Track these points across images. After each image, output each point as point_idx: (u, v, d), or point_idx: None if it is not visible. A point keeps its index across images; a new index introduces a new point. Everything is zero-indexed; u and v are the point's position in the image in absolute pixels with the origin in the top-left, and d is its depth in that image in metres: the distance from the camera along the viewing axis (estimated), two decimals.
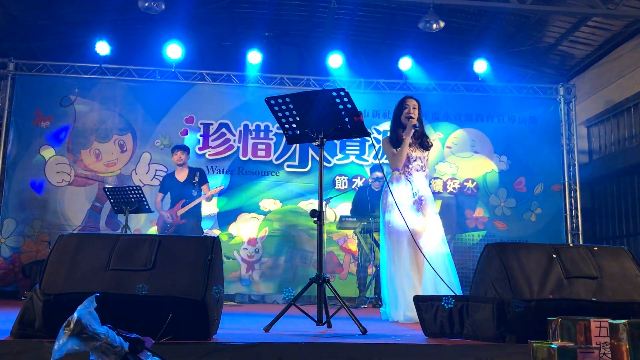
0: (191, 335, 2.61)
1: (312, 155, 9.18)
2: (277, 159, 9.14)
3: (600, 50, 9.86)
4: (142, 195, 6.29)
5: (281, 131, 9.26)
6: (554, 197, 9.28)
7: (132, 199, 6.31)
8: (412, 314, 4.41)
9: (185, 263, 2.62)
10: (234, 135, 9.14)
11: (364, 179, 9.04)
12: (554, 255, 2.82)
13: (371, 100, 9.37)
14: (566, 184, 9.32)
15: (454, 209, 9.19)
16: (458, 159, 9.35)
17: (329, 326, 3.50)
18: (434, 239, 4.91)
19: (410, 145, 4.96)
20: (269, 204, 9.02)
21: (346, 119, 3.46)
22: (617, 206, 9.95)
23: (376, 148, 6.61)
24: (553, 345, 2.06)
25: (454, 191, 9.24)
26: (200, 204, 7.06)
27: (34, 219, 8.65)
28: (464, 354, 2.61)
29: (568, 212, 9.22)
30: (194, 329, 2.59)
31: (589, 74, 10.32)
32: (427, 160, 5.07)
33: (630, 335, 2.07)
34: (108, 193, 6.38)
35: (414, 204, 4.89)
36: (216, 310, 2.74)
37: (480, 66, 9.32)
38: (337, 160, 9.22)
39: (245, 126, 9.18)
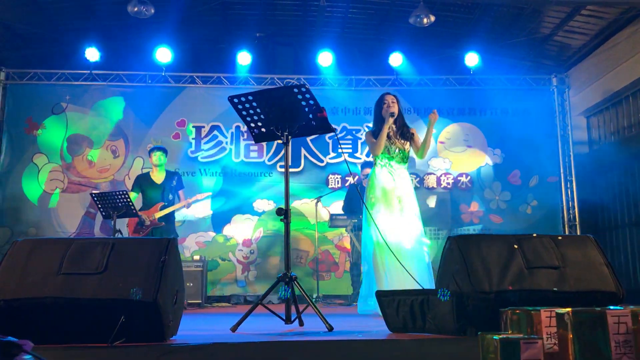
0: (146, 338, 2.59)
1: (304, 155, 9.16)
2: (269, 160, 9.13)
3: (597, 39, 9.74)
4: (128, 200, 6.29)
5: None
6: (549, 188, 9.20)
7: (119, 204, 6.31)
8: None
9: (138, 265, 2.60)
10: (226, 138, 9.14)
11: (356, 177, 9.00)
12: (516, 246, 2.78)
13: (363, 98, 9.33)
14: (562, 175, 9.23)
15: (449, 204, 9.14)
16: (451, 153, 9.30)
17: (301, 324, 3.48)
18: (411, 234, 4.90)
19: (390, 138, 5.08)
20: (262, 204, 9.00)
21: (310, 115, 3.43)
22: (619, 196, 9.84)
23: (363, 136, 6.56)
24: (495, 337, 2.03)
25: (448, 186, 9.18)
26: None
27: (29, 227, 8.68)
28: (423, 348, 2.58)
29: (565, 204, 9.14)
30: (148, 331, 2.57)
31: (586, 64, 10.20)
32: (408, 151, 5.15)
33: (574, 324, 2.03)
34: (95, 199, 6.38)
35: (393, 197, 4.91)
36: (173, 312, 2.71)
37: (472, 59, 9.25)
38: (330, 159, 9.19)
39: (237, 128, 9.17)
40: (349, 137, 9.27)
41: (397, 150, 5.09)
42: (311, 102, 3.38)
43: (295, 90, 3.37)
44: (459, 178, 9.21)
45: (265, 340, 2.72)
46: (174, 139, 9.05)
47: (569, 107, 9.47)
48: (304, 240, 8.87)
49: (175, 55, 9.04)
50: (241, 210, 8.96)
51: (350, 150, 9.23)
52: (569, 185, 9.23)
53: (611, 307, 2.28)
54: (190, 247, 8.78)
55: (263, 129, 3.62)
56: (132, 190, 7.12)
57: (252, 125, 3.62)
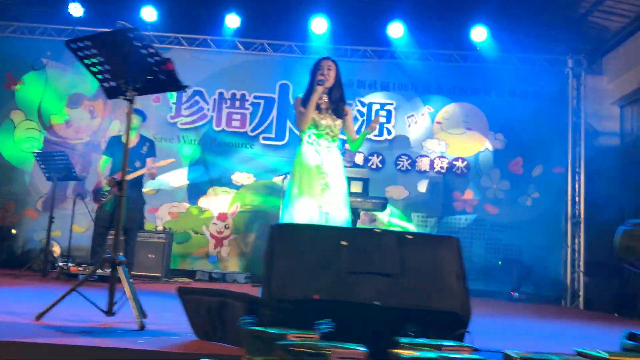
0: None
1: (289, 127, 8.59)
2: (252, 131, 8.61)
3: (636, 23, 8.75)
4: (68, 162, 5.86)
5: (258, 101, 8.78)
6: (554, 180, 8.39)
7: (60, 166, 5.89)
8: None
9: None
10: (208, 104, 8.65)
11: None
12: (344, 243, 2.19)
13: (357, 69, 8.67)
14: (569, 166, 8.39)
15: (441, 189, 8.45)
16: (449, 135, 8.57)
17: (111, 314, 2.94)
18: (333, 220, 4.30)
19: (320, 111, 4.45)
20: (242, 177, 8.51)
21: (155, 68, 2.88)
22: None
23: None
24: None
25: (442, 170, 8.47)
26: (143, 175, 6.54)
27: (1, 186, 8.43)
28: None
29: (570, 198, 8.31)
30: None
31: (623, 49, 9.24)
32: (339, 129, 4.52)
33: None
34: (38, 159, 5.99)
35: (317, 177, 4.32)
36: None
37: (479, 34, 8.46)
38: None
39: (220, 94, 8.67)
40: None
41: (326, 126, 4.45)
42: (151, 50, 2.83)
43: (131, 34, 2.81)
44: (454, 162, 8.49)
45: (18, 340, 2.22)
46: (154, 102, 8.60)
47: (584, 92, 8.56)
48: None
49: (161, 14, 8.57)
50: (219, 182, 8.49)
51: None
52: (577, 178, 8.38)
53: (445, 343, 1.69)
54: (162, 218, 8.38)
55: (113, 83, 3.08)
56: (104, 153, 6.61)
57: (101, 77, 3.09)
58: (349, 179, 6.71)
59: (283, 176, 7.52)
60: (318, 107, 4.49)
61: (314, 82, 4.51)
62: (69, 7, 8.52)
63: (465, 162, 8.48)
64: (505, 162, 8.46)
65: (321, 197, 4.31)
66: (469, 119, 8.56)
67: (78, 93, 8.65)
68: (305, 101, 4.50)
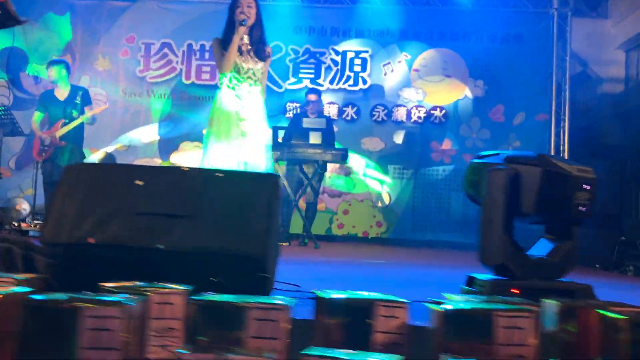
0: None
1: None
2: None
3: None
4: (11, 117, 5.73)
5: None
6: (536, 128, 8.04)
7: (5, 121, 5.76)
8: None
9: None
10: (177, 57, 8.40)
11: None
12: (139, 183, 1.97)
13: (330, 16, 8.32)
14: (553, 113, 8.01)
15: (418, 140, 8.15)
16: (426, 83, 8.21)
17: None
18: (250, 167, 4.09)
19: (242, 54, 4.19)
20: None
21: None
22: None
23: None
24: None
25: (419, 120, 8.15)
26: (82, 125, 6.43)
27: None
28: None
29: (553, 147, 7.96)
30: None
31: None
32: (262, 73, 4.26)
33: None
34: None
35: (235, 121, 4.09)
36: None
37: None
38: (289, 84, 8.31)
39: (189, 46, 8.40)
40: (312, 60, 8.33)
41: (248, 69, 4.19)
42: None
43: None
44: (432, 112, 8.16)
45: None
46: (122, 56, 8.38)
47: (569, 34, 8.10)
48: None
49: None
50: (190, 137, 8.29)
51: (313, 76, 8.30)
52: (562, 125, 8.01)
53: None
54: None
55: None
56: (36, 109, 6.54)
57: None
58: (308, 129, 6.50)
59: None
60: (239, 50, 4.24)
61: (233, 20, 4.24)
62: None
63: (443, 111, 8.14)
64: (485, 110, 8.11)
65: (238, 145, 4.09)
66: (448, 65, 8.19)
67: (45, 48, 8.46)
68: (223, 41, 4.25)
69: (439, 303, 1.66)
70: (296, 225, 6.86)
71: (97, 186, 1.99)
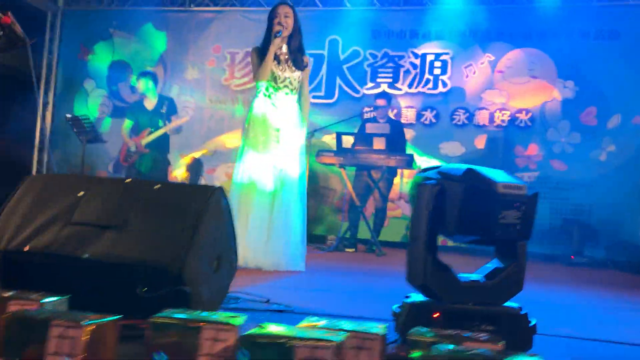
0: None
1: (339, 84, 8.33)
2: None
3: None
4: (92, 125, 6.17)
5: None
6: (634, 131, 7.37)
7: (87, 129, 6.21)
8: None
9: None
10: None
11: (394, 110, 7.96)
12: (80, 194, 2.01)
13: (409, 19, 8.15)
14: None
15: (501, 145, 7.77)
16: (511, 85, 7.80)
17: None
18: (287, 182, 4.10)
19: (279, 63, 4.26)
20: None
21: None
22: None
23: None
24: None
25: (503, 124, 7.77)
26: (167, 135, 6.78)
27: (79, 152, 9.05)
28: None
29: None
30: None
31: None
32: (300, 81, 4.28)
33: None
34: (70, 123, 6.37)
35: (271, 129, 4.13)
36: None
37: None
38: (367, 89, 8.24)
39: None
40: (391, 64, 8.20)
41: (285, 79, 4.22)
42: None
43: None
44: (517, 115, 7.74)
45: None
46: (209, 65, 8.74)
47: None
48: (333, 177, 8.16)
49: None
50: None
51: (391, 80, 8.18)
52: None
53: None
54: (219, 178, 8.56)
55: None
56: (126, 117, 7.03)
57: None
58: (372, 135, 6.42)
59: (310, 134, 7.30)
60: (276, 58, 4.28)
61: (270, 29, 4.31)
62: None
63: (529, 114, 7.70)
64: (575, 113, 7.56)
65: (273, 152, 4.12)
66: (535, 65, 7.73)
67: (141, 60, 9.00)
68: (262, 51, 4.33)
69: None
70: (365, 231, 6.79)
71: (43, 196, 2.09)
